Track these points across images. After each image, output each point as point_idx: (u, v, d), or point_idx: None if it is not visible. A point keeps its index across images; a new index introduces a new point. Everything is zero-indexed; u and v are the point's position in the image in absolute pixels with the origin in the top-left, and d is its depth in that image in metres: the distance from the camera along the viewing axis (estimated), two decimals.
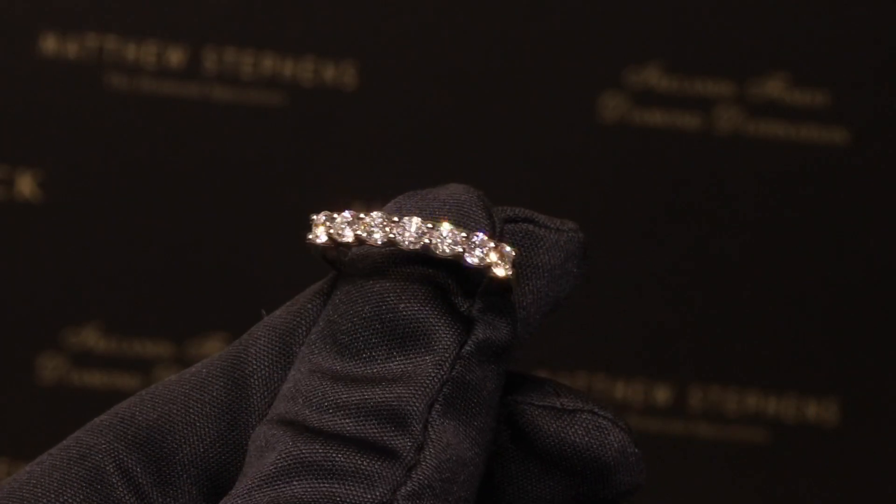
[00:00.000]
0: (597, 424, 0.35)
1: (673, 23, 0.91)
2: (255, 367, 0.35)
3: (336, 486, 0.31)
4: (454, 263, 0.33)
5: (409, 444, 0.32)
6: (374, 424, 0.32)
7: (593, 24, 0.91)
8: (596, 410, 0.35)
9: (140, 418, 0.35)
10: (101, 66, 0.90)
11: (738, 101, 0.92)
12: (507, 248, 0.34)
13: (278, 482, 0.32)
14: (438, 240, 0.33)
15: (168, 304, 0.91)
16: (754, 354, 0.93)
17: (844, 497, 0.93)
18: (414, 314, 0.33)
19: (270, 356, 0.35)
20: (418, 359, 0.33)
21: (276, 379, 0.35)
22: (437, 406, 0.32)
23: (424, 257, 0.33)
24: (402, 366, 0.33)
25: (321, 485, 0.31)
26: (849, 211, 0.92)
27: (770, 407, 0.93)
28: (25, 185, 0.90)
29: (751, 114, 0.92)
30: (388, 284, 0.33)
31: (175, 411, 0.35)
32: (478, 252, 0.33)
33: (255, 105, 0.91)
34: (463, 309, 0.33)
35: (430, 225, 0.33)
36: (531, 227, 0.35)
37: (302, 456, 0.32)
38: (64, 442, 0.35)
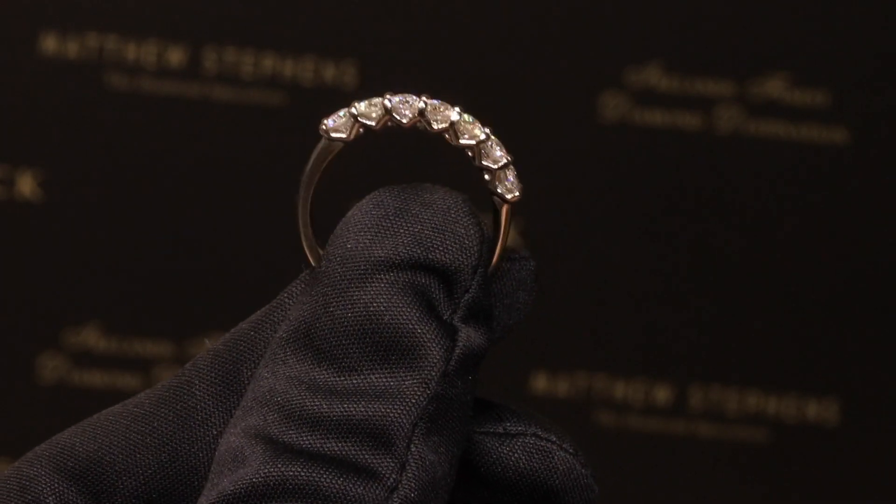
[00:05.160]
0: (540, 448, 0.35)
1: (673, 23, 0.91)
2: (199, 397, 0.35)
3: None
4: (439, 266, 0.33)
5: (392, 464, 0.32)
6: (356, 443, 0.32)
7: (593, 24, 0.91)
8: (539, 433, 0.35)
9: (80, 449, 0.34)
10: (102, 65, 0.90)
11: (738, 101, 0.91)
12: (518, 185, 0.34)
13: (259, 501, 0.31)
14: (461, 133, 0.34)
15: (168, 304, 0.91)
16: (755, 354, 0.93)
17: (845, 496, 0.93)
18: (400, 326, 0.32)
19: (215, 386, 0.35)
20: (403, 374, 0.32)
21: (220, 409, 0.35)
22: (422, 424, 0.32)
23: (409, 262, 0.33)
24: (386, 380, 0.32)
25: None
26: (849, 211, 0.92)
27: (770, 407, 0.93)
28: (26, 185, 0.90)
29: (751, 113, 0.92)
30: (372, 292, 0.33)
31: (115, 443, 0.34)
32: (496, 152, 0.35)
33: (255, 105, 0.91)
34: (446, 316, 0.33)
35: (470, 120, 0.35)
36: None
37: (283, 477, 0.31)
38: (5, 473, 0.35)
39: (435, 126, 0.34)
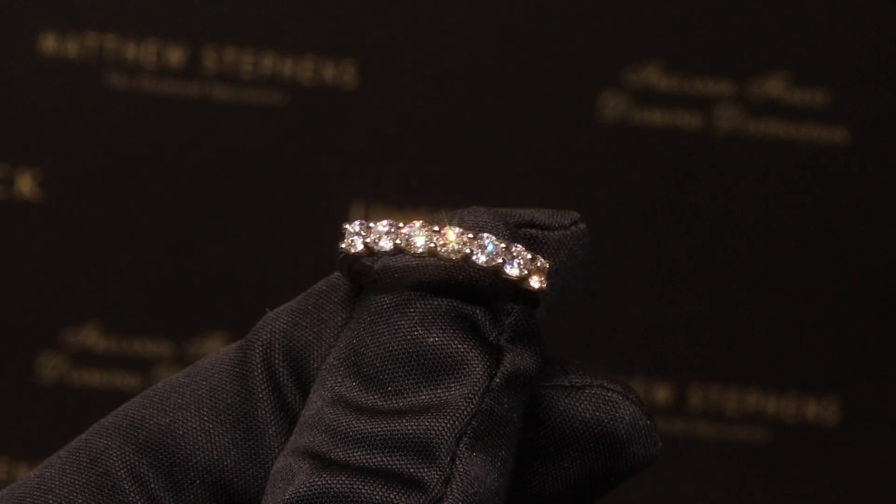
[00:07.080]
0: (606, 399, 0.35)
1: (673, 22, 0.91)
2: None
3: None
4: (487, 285, 0.33)
5: (436, 476, 0.31)
6: (400, 456, 0.32)
7: (593, 24, 0.91)
8: (605, 384, 0.35)
9: (151, 422, 0.34)
10: (101, 65, 0.90)
11: (738, 101, 0.92)
12: (542, 261, 0.34)
13: None
14: (479, 250, 0.33)
15: (168, 303, 0.91)
16: (754, 354, 0.93)
17: (844, 497, 0.93)
18: (443, 346, 0.33)
19: (283, 370, 0.34)
20: (447, 391, 0.32)
21: (288, 395, 0.34)
22: (466, 439, 0.32)
23: (455, 286, 0.33)
24: (430, 398, 0.32)
25: None
26: (849, 211, 0.92)
27: (770, 406, 0.93)
28: (25, 185, 0.90)
29: (751, 113, 0.92)
30: (416, 317, 0.33)
31: (189, 417, 0.34)
32: (517, 263, 0.33)
33: (255, 105, 0.91)
34: (492, 338, 0.33)
35: (470, 235, 0.33)
36: (533, 231, 0.35)
37: (326, 486, 0.31)
38: (72, 444, 0.34)
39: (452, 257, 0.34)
